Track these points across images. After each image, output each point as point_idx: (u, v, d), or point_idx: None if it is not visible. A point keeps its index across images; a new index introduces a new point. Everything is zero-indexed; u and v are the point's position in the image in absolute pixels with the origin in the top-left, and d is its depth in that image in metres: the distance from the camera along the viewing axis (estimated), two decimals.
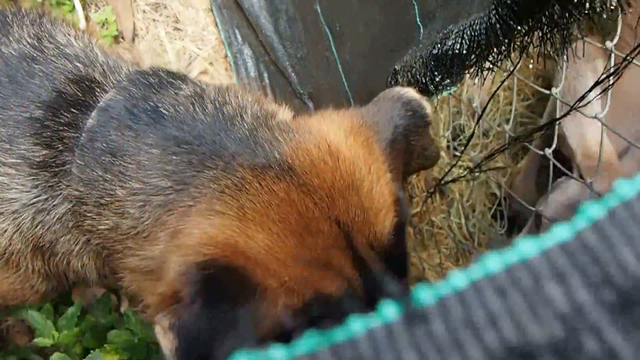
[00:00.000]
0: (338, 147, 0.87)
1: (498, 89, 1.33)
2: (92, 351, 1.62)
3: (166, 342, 0.74)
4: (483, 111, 1.45)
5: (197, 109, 0.90)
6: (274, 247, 0.79)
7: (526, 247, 0.35)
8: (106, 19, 2.42)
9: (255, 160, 0.82)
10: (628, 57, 1.03)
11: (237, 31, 2.44)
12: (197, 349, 0.73)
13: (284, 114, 0.97)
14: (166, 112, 0.90)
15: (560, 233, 0.35)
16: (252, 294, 0.76)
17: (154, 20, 2.50)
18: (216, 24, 2.52)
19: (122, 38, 2.45)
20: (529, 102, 2.82)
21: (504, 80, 1.32)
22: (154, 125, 0.89)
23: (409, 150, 1.01)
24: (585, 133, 1.62)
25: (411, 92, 1.01)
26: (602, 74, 1.11)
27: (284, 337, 0.83)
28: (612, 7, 0.91)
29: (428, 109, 1.01)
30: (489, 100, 1.75)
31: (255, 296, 0.76)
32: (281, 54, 2.33)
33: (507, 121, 2.78)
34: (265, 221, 0.79)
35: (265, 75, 2.39)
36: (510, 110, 2.76)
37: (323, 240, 0.81)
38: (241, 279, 0.77)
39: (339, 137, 0.90)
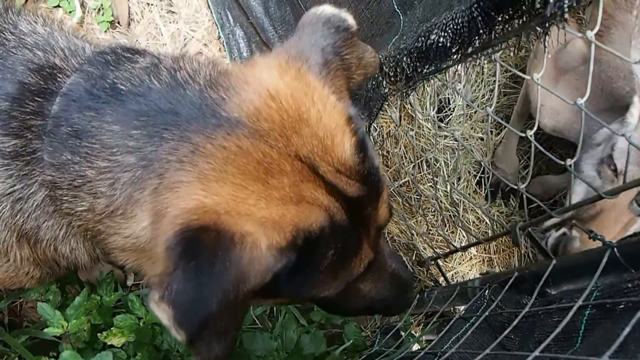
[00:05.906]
0: (276, 88, 0.82)
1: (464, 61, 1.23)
2: (100, 333, 1.59)
3: (162, 313, 0.70)
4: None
5: (152, 78, 0.84)
6: (241, 195, 0.75)
7: None
8: (102, 4, 2.28)
9: (206, 123, 0.78)
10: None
11: (228, 13, 2.31)
12: (193, 310, 0.69)
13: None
14: (123, 87, 0.84)
15: None
16: (230, 243, 0.72)
17: (148, 4, 2.37)
18: (209, 6, 2.40)
19: (119, 23, 2.32)
20: (511, 73, 2.72)
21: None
22: (113, 102, 0.84)
23: (346, 65, 0.94)
24: None
25: (328, 9, 0.92)
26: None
27: (278, 281, 0.76)
28: None
29: (349, 19, 0.93)
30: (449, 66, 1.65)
31: (235, 244, 0.72)
32: (272, 35, 2.21)
33: (491, 91, 2.70)
34: (225, 176, 0.76)
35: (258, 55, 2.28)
36: (494, 81, 2.69)
37: (289, 178, 0.78)
38: (216, 233, 0.72)
39: (274, 78, 0.84)
